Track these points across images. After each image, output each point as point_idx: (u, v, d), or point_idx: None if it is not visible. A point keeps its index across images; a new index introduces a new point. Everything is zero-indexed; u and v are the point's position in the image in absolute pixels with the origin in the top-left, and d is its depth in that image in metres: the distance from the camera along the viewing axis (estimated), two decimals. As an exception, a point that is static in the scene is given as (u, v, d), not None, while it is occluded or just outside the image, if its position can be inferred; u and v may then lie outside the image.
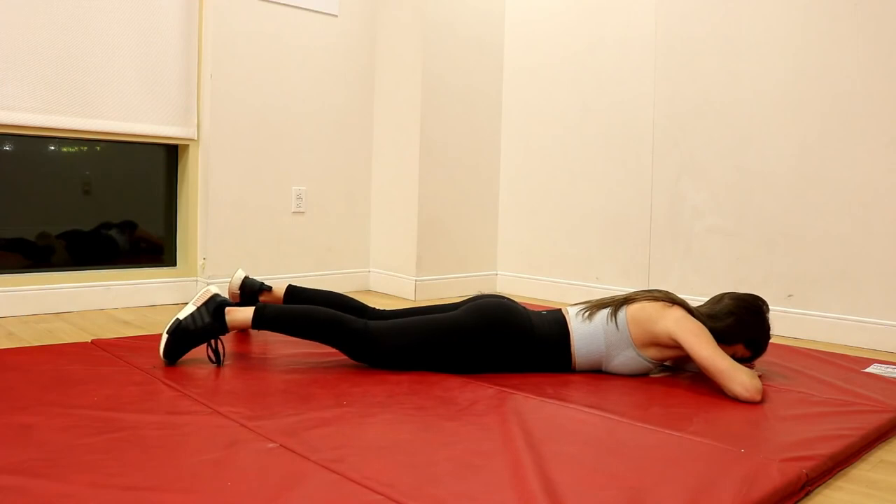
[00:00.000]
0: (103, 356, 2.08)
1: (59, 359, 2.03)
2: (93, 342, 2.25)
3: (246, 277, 2.39)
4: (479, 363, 2.01)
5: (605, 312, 2.03)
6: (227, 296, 2.37)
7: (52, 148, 2.91)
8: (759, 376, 1.90)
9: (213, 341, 2.02)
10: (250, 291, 2.36)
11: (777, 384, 1.98)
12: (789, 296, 2.81)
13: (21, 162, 2.83)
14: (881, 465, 1.50)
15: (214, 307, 2.01)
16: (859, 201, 2.64)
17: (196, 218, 3.17)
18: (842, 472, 1.45)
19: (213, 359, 2.02)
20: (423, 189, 3.47)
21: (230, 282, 2.41)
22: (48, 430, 1.47)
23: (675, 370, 2.11)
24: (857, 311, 2.65)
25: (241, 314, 2.02)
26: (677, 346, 1.93)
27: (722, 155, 2.99)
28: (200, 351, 2.10)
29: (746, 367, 1.92)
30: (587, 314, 2.04)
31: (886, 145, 2.58)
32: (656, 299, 2.01)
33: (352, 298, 2.35)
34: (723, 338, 1.98)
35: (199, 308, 2.01)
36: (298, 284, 2.46)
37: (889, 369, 2.21)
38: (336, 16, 3.50)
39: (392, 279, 3.58)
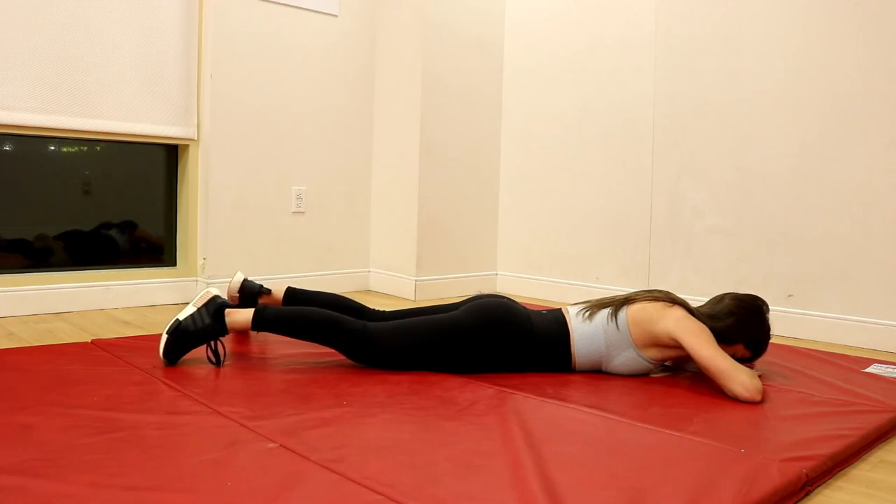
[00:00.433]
0: (103, 356, 2.08)
1: (59, 359, 2.03)
2: (93, 342, 2.25)
3: (245, 280, 2.40)
4: (479, 363, 2.01)
5: (605, 312, 2.03)
6: (226, 298, 2.37)
7: (52, 148, 2.91)
8: (759, 376, 1.90)
9: (212, 342, 2.02)
10: (249, 294, 2.36)
11: (777, 384, 1.98)
12: (789, 296, 2.81)
13: (21, 162, 2.83)
14: (881, 465, 1.50)
15: (214, 308, 2.01)
16: (859, 201, 2.64)
17: (196, 218, 3.17)
18: (842, 472, 1.45)
19: (213, 360, 2.02)
20: (423, 189, 3.47)
21: (229, 284, 2.41)
22: (48, 430, 1.47)
23: (675, 370, 2.11)
24: (857, 311, 2.65)
25: (241, 316, 2.02)
26: (678, 346, 1.93)
27: (722, 155, 2.99)
28: (200, 351, 2.10)
29: (747, 367, 1.92)
30: (587, 314, 2.04)
31: (886, 145, 2.58)
32: (657, 299, 2.00)
33: (351, 300, 2.35)
34: (723, 338, 1.98)
35: (199, 309, 2.01)
36: (297, 286, 2.45)
37: (889, 369, 2.21)
38: (336, 16, 3.50)
39: (392, 279, 3.58)
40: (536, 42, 3.65)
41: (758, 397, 1.79)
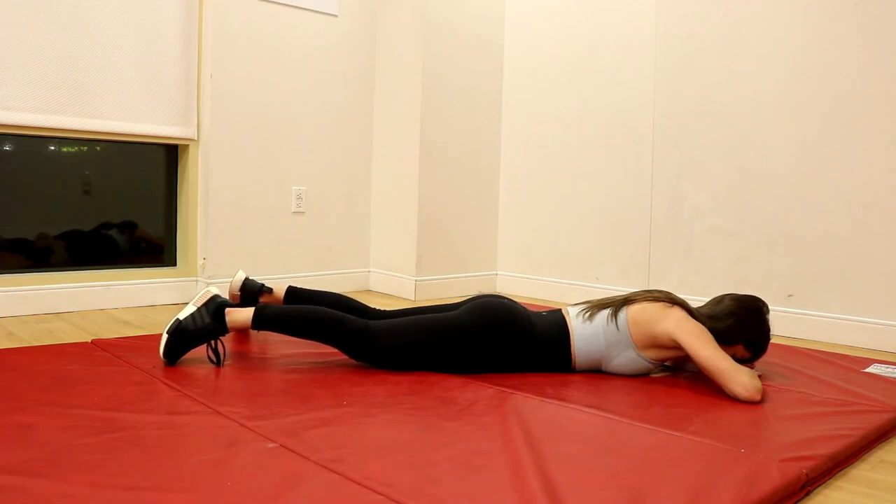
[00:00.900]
0: (103, 356, 2.08)
1: (59, 359, 2.03)
2: (93, 342, 2.25)
3: (246, 279, 2.40)
4: (479, 363, 2.01)
5: (605, 313, 2.03)
6: (227, 297, 2.37)
7: (52, 148, 2.91)
8: (759, 376, 1.90)
9: (213, 341, 2.02)
10: (251, 293, 2.37)
11: (777, 384, 1.98)
12: (789, 296, 2.81)
13: (21, 162, 2.83)
14: (881, 465, 1.50)
15: (215, 308, 2.01)
16: (859, 201, 2.64)
17: (196, 218, 3.17)
18: (842, 472, 1.45)
19: (214, 359, 2.02)
20: (423, 189, 3.47)
21: (230, 283, 2.42)
22: (48, 430, 1.47)
23: (675, 370, 2.11)
24: (857, 311, 2.65)
25: (241, 315, 2.02)
26: (677, 346, 1.93)
27: (722, 155, 2.99)
28: (200, 351, 2.10)
29: (747, 367, 1.92)
30: (587, 315, 2.04)
31: (886, 145, 2.58)
32: (657, 300, 2.01)
33: (352, 299, 2.35)
34: (723, 338, 1.98)
35: (199, 308, 2.01)
36: (298, 285, 2.46)
37: (889, 369, 2.21)
38: (336, 16, 3.50)
39: (392, 279, 3.58)
40: (536, 42, 3.65)
41: (757, 397, 1.79)
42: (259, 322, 2.01)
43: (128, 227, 3.12)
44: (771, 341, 2.08)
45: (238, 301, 2.39)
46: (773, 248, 2.85)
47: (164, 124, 3.05)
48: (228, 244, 3.18)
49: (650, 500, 1.21)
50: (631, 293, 2.08)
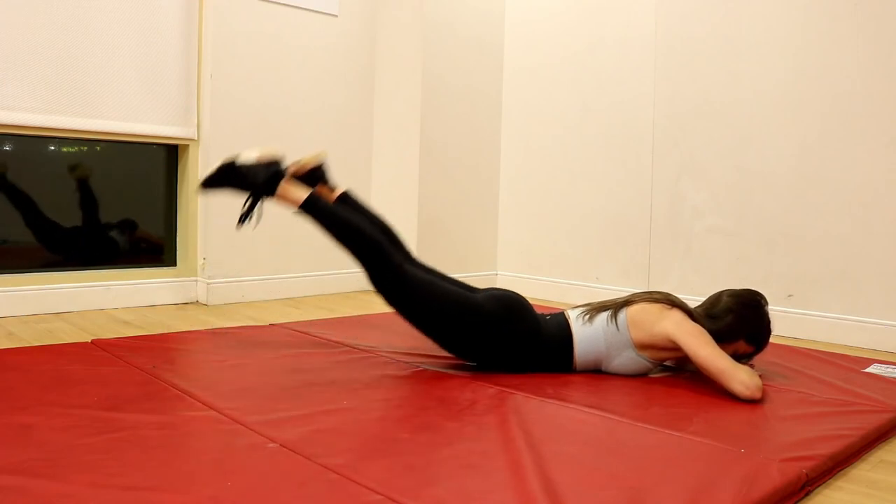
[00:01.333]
0: (103, 356, 2.08)
1: (59, 359, 2.03)
2: (93, 342, 2.25)
3: (322, 165, 2.25)
4: (486, 351, 2.01)
5: (605, 314, 2.04)
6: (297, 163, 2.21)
7: (52, 148, 2.91)
8: (759, 376, 1.90)
9: (252, 199, 1.99)
10: (315, 177, 2.23)
11: (777, 384, 1.98)
12: (789, 296, 2.81)
13: (21, 162, 2.83)
14: (881, 465, 1.50)
15: (272, 174, 1.98)
16: (859, 201, 2.64)
17: (196, 218, 3.17)
18: (842, 472, 1.45)
19: (246, 216, 1.99)
20: (423, 189, 3.47)
21: (307, 157, 2.24)
22: (48, 430, 1.47)
23: (675, 370, 2.11)
24: (857, 311, 2.65)
25: (295, 192, 1.99)
26: (676, 347, 1.93)
27: (722, 155, 2.99)
28: (201, 350, 2.09)
29: (747, 366, 1.92)
30: (588, 317, 2.05)
31: (886, 145, 2.58)
32: (656, 301, 2.01)
33: (396, 234, 2.26)
34: (724, 336, 1.98)
35: (259, 164, 1.99)
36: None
37: (889, 369, 2.21)
38: (336, 16, 3.50)
39: (392, 279, 3.58)
40: (536, 42, 3.65)
41: (758, 395, 1.79)
42: (310, 207, 1.98)
43: (128, 227, 3.12)
44: (771, 340, 2.07)
45: (300, 172, 2.22)
46: (773, 248, 2.85)
47: (164, 124, 3.05)
48: (228, 244, 3.18)
49: (650, 500, 1.21)
50: (631, 295, 2.08)
